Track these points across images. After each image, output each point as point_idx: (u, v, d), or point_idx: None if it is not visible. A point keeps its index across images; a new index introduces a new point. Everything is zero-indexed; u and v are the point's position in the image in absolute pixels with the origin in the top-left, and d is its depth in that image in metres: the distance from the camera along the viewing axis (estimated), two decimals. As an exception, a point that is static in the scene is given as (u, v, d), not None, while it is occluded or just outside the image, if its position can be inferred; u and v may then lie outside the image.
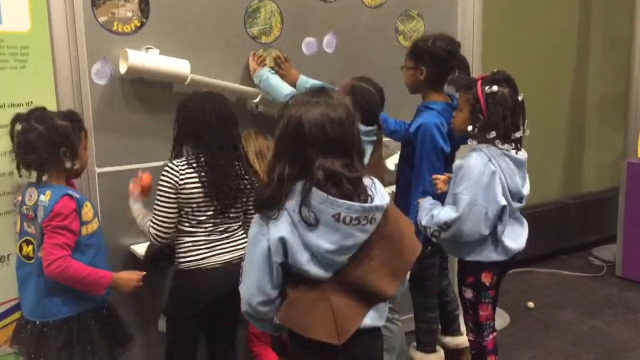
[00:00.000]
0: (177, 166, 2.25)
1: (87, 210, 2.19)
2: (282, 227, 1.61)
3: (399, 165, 2.81)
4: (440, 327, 3.01)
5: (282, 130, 1.63)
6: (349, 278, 1.67)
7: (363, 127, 2.46)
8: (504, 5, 4.40)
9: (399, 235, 1.72)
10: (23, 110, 2.22)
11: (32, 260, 2.17)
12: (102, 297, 2.23)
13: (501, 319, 3.66)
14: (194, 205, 2.26)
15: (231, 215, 2.33)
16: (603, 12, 5.15)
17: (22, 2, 2.29)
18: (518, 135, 2.34)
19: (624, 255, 4.39)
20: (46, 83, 2.37)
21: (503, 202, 2.29)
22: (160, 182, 2.25)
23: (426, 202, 2.46)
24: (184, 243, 2.30)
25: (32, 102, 2.32)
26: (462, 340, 2.97)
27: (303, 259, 1.62)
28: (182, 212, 2.28)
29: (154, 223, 2.27)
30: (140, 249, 2.54)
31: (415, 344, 3.02)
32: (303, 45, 2.97)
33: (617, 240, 4.44)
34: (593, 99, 5.23)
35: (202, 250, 2.29)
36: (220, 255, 2.31)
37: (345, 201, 1.59)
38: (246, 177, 2.33)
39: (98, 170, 2.52)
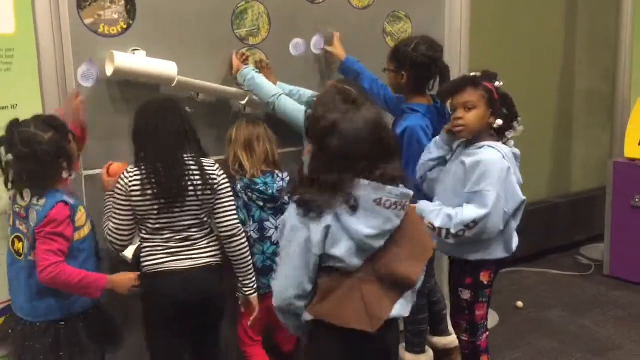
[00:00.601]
0: (128, 172, 2.25)
1: (81, 216, 2.19)
2: (326, 220, 1.69)
3: None
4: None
5: (334, 143, 1.68)
6: (378, 267, 1.76)
7: None
8: (491, 5, 4.42)
9: (416, 224, 1.86)
10: (7, 113, 2.20)
11: (22, 257, 2.16)
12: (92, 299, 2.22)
13: (490, 319, 3.64)
14: (144, 212, 2.25)
15: (192, 222, 2.31)
16: (589, 10, 5.17)
17: (6, 4, 2.27)
18: (517, 126, 2.41)
19: (612, 254, 4.42)
20: (32, 86, 2.35)
21: (522, 197, 2.34)
22: (114, 189, 2.26)
23: (425, 205, 2.42)
24: (144, 248, 2.31)
25: (17, 105, 2.31)
26: (450, 340, 2.99)
27: (342, 249, 1.70)
28: (138, 219, 2.27)
29: (110, 229, 2.27)
30: (128, 251, 2.51)
31: (404, 344, 3.03)
32: (291, 47, 2.96)
33: (605, 240, 4.47)
34: (580, 97, 5.26)
35: (159, 255, 2.28)
36: (181, 261, 2.29)
37: (387, 186, 1.70)
38: (199, 187, 2.27)
39: (85, 173, 2.50)
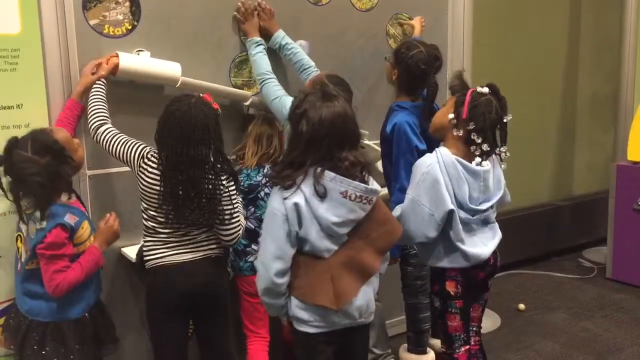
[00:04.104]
0: (148, 153, 2.27)
1: (83, 232, 2.22)
2: (296, 198, 1.95)
3: (382, 162, 2.84)
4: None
5: (303, 128, 1.96)
6: (345, 256, 2.03)
7: None
8: (494, 7, 4.43)
9: (384, 220, 2.09)
10: (12, 113, 2.23)
11: (19, 256, 2.24)
12: (87, 303, 2.25)
13: (492, 321, 3.68)
14: (150, 200, 2.25)
15: (192, 224, 2.30)
16: (593, 13, 5.18)
17: (12, 4, 2.29)
18: (486, 148, 2.26)
19: (614, 257, 4.42)
20: (37, 86, 2.37)
21: (450, 206, 2.23)
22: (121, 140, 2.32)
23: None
24: (146, 242, 2.32)
25: (22, 105, 2.33)
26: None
27: (313, 232, 1.96)
28: (144, 205, 2.29)
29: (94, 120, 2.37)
30: (131, 251, 2.53)
31: (406, 345, 3.03)
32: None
33: (607, 243, 4.47)
34: (583, 100, 5.27)
35: (160, 250, 2.29)
36: (181, 254, 2.29)
37: (352, 180, 1.95)
38: (214, 194, 2.25)
39: (89, 172, 2.52)
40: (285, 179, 1.97)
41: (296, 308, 2.06)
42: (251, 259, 2.65)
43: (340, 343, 2.13)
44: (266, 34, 2.83)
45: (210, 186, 2.23)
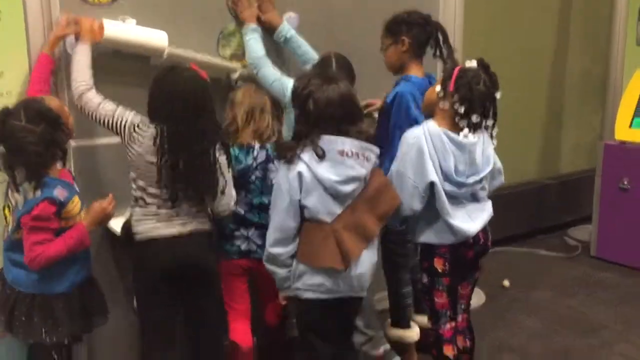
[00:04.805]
0: (140, 121, 2.21)
1: (73, 207, 2.17)
2: (299, 167, 2.10)
3: (377, 129, 2.78)
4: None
5: (310, 107, 2.10)
6: (348, 220, 2.16)
7: None
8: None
9: (383, 187, 2.23)
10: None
11: (7, 225, 2.21)
12: (72, 281, 2.22)
13: (477, 297, 3.68)
14: (140, 170, 2.21)
15: (184, 197, 2.26)
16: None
17: (-7, -31, 2.22)
18: (475, 120, 2.26)
19: (599, 235, 4.45)
20: (19, 53, 2.31)
21: (431, 178, 2.25)
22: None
23: None
24: (135, 213, 2.28)
25: (3, 73, 2.28)
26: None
27: (316, 195, 2.10)
28: (133, 175, 2.24)
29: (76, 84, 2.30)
30: (117, 225, 2.49)
31: (390, 321, 3.04)
32: (284, 20, 2.91)
33: (593, 221, 4.49)
34: (573, 79, 5.25)
35: (149, 222, 2.26)
36: (170, 228, 2.26)
37: (348, 138, 2.10)
38: (213, 167, 2.23)
39: (73, 143, 2.46)
40: (288, 150, 2.11)
41: (300, 274, 2.18)
42: (238, 242, 2.58)
43: (336, 313, 2.25)
44: (269, 27, 2.79)
45: (211, 159, 2.21)
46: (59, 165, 2.16)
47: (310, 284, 2.18)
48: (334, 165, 2.09)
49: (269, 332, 2.82)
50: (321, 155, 2.08)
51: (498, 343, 3.26)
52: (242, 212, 2.55)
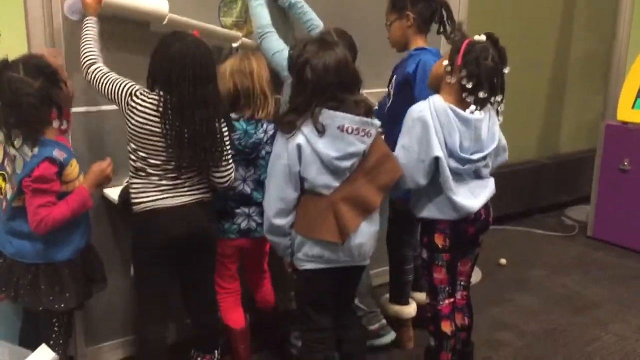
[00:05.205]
0: (137, 91, 2.17)
1: (72, 170, 2.14)
2: (298, 139, 2.08)
3: (393, 103, 2.72)
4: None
5: (308, 76, 2.06)
6: (346, 192, 2.14)
7: None
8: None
9: (384, 157, 2.20)
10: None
11: (2, 196, 2.14)
12: (76, 247, 2.20)
13: (474, 275, 3.67)
14: (141, 140, 2.18)
15: (186, 167, 2.24)
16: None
17: None
18: (483, 96, 2.23)
19: (596, 216, 4.45)
20: (16, 14, 2.26)
21: (435, 153, 2.23)
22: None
23: None
24: (134, 184, 2.25)
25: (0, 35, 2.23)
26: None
27: (314, 168, 2.09)
28: (132, 146, 2.21)
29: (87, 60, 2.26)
30: (113, 193, 2.47)
31: (387, 296, 3.04)
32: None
33: (591, 201, 4.49)
34: (577, 59, 5.20)
35: (151, 193, 2.23)
36: (173, 198, 2.24)
37: (347, 114, 2.07)
38: (219, 136, 2.21)
39: (73, 109, 2.41)
40: (289, 124, 2.08)
41: (300, 245, 2.18)
42: (239, 220, 2.53)
43: (337, 283, 2.25)
44: None
45: (217, 126, 2.19)
46: (55, 124, 2.11)
47: (312, 255, 2.18)
48: (333, 141, 2.07)
49: (261, 311, 2.83)
50: (321, 131, 2.06)
51: (493, 320, 3.27)
52: (249, 190, 2.51)
